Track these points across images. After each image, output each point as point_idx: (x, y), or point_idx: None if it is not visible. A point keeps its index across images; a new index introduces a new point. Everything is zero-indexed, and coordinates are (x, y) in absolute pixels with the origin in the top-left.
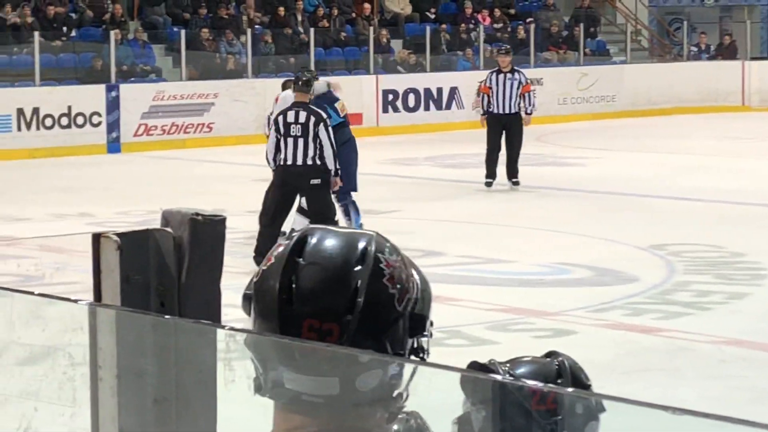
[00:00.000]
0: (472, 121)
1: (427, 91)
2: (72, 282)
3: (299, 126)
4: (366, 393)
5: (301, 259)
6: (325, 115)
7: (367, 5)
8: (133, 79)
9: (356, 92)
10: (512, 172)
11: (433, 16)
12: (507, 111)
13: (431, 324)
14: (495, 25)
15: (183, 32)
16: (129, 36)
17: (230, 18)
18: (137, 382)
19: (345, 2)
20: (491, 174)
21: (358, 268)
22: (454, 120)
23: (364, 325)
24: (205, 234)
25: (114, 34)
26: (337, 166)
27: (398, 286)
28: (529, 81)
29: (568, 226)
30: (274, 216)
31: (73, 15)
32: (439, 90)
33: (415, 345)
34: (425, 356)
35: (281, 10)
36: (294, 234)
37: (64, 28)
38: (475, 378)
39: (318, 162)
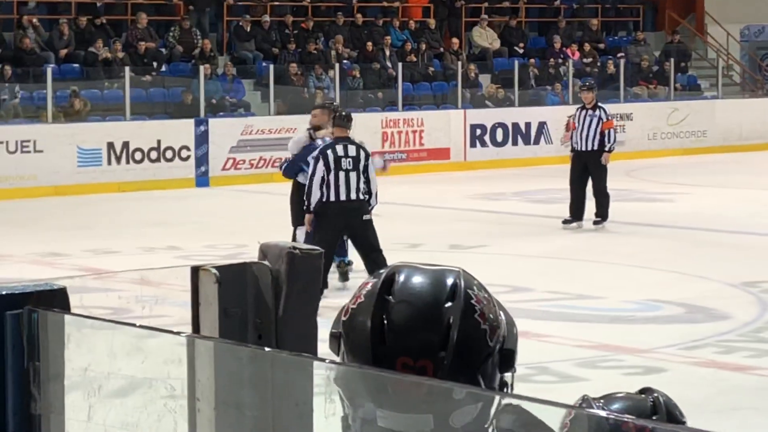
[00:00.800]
0: (560, 156)
1: (515, 125)
2: (165, 315)
3: (350, 159)
4: (458, 430)
5: (390, 297)
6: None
7: (455, 40)
8: (221, 113)
9: (444, 127)
10: (598, 211)
11: (521, 51)
12: (586, 148)
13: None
14: (584, 60)
15: (272, 67)
16: (218, 71)
17: (319, 53)
18: (235, 415)
19: (433, 37)
20: (571, 212)
21: (449, 304)
22: (542, 155)
23: (457, 361)
24: (302, 267)
25: (203, 69)
26: (376, 201)
27: (489, 321)
28: (610, 117)
29: (658, 263)
30: (329, 256)
31: (163, 50)
32: (527, 125)
33: (500, 381)
34: (510, 391)
35: (369, 45)
36: (381, 272)
37: (154, 63)
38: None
39: (365, 197)
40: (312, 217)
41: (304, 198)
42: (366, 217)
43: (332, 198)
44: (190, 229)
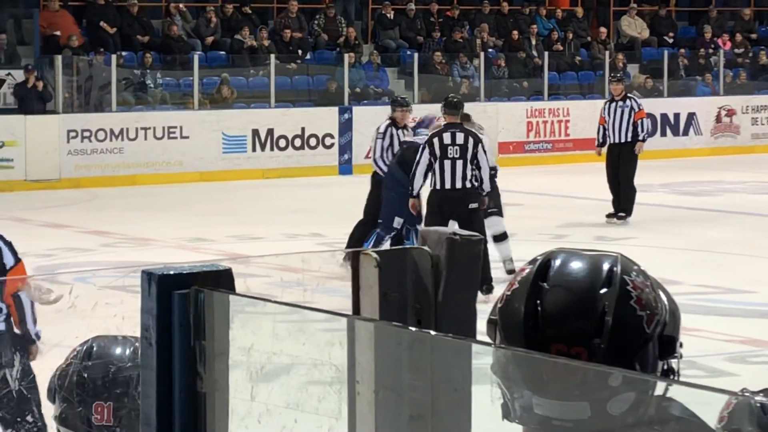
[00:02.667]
0: (710, 148)
1: (664, 116)
2: (309, 302)
3: (457, 147)
4: (617, 417)
5: (545, 284)
6: (481, 136)
7: (603, 29)
8: (365, 101)
9: (591, 117)
10: (621, 206)
11: (671, 41)
12: (619, 140)
13: (681, 345)
14: (735, 50)
15: (416, 55)
16: (363, 59)
17: (464, 41)
18: (394, 398)
19: (580, 26)
20: (615, 207)
21: (605, 290)
22: (692, 146)
23: (612, 348)
24: (462, 253)
25: (348, 57)
26: (488, 188)
27: (646, 307)
28: (642, 107)
29: None
30: None
31: (309, 38)
32: (677, 116)
33: (666, 367)
34: (676, 377)
35: (515, 34)
36: (537, 257)
37: (299, 51)
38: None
39: (475, 184)
40: (416, 202)
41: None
42: (472, 205)
43: (437, 186)
44: (333, 216)
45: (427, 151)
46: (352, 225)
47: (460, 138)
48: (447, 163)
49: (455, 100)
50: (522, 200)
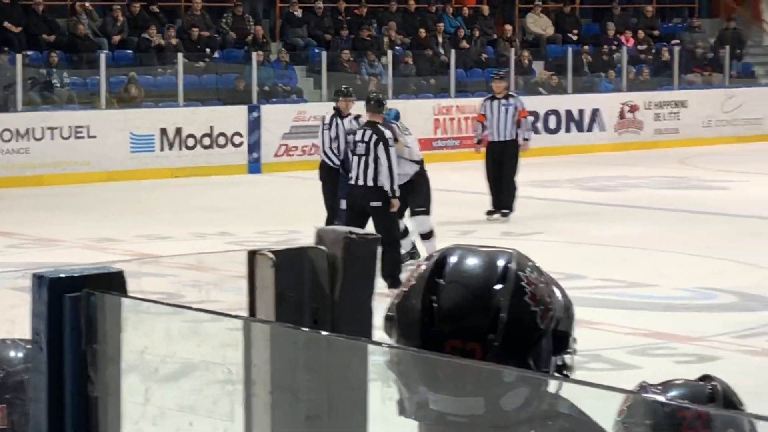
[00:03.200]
0: (614, 143)
1: (569, 112)
2: (219, 300)
3: (363, 144)
4: (511, 413)
5: (441, 280)
6: (388, 134)
7: (508, 26)
8: (274, 99)
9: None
10: (503, 203)
11: (575, 38)
12: (502, 138)
13: (575, 341)
14: (639, 47)
15: (324, 53)
16: (271, 57)
17: (371, 39)
18: (290, 399)
19: (486, 24)
20: (494, 204)
21: (500, 286)
22: (596, 142)
23: (507, 344)
24: (359, 252)
25: (256, 56)
26: (395, 188)
27: (540, 303)
28: (525, 106)
29: (712, 251)
30: None
31: (217, 36)
32: (581, 112)
33: (560, 363)
34: (570, 373)
35: (422, 32)
36: (434, 254)
37: (207, 50)
38: (631, 397)
39: (377, 183)
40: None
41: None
42: (374, 203)
43: (350, 181)
44: (243, 215)
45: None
46: (262, 223)
47: (366, 135)
48: (355, 159)
49: (377, 98)
50: (440, 198)
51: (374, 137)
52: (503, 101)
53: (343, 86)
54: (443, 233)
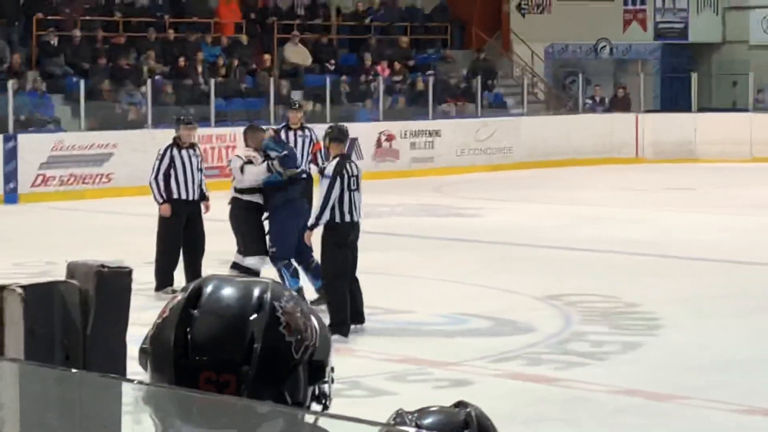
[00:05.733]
0: (372, 172)
1: None
2: None
3: (356, 179)
4: None
5: (196, 311)
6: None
7: (267, 56)
8: (31, 129)
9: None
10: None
11: (332, 68)
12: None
13: (332, 370)
14: (394, 78)
15: (82, 82)
16: (27, 86)
17: (130, 68)
18: None
19: (246, 53)
20: None
21: (254, 316)
22: None
23: (261, 375)
24: (111, 286)
25: (11, 84)
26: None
27: (296, 333)
28: (318, 139)
29: (466, 277)
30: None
31: None
32: None
33: (317, 392)
34: (328, 402)
35: (182, 61)
36: (189, 285)
37: None
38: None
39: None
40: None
41: None
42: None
43: (347, 219)
44: None
45: (338, 182)
46: (18, 255)
47: (356, 169)
48: (355, 195)
49: (344, 129)
50: None
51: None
52: (299, 132)
53: (184, 114)
54: (204, 263)
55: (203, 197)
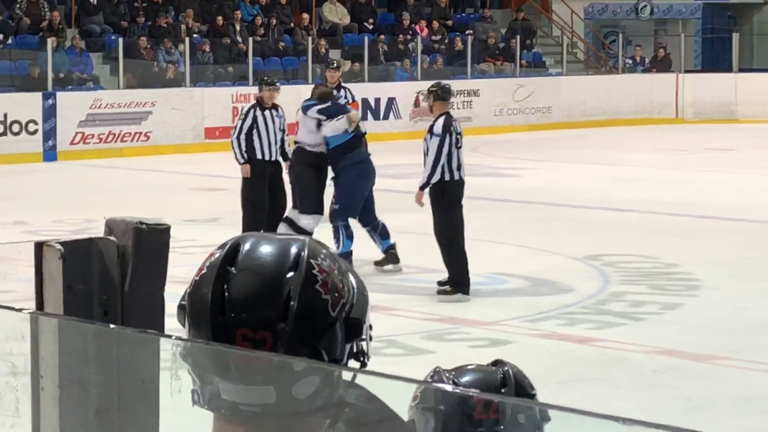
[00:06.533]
0: (409, 131)
1: (365, 101)
2: (9, 291)
3: (459, 136)
4: (303, 401)
5: (233, 268)
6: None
7: (305, 15)
8: (70, 87)
9: (295, 102)
10: None
11: (371, 27)
12: None
13: (370, 328)
14: (433, 37)
15: (121, 40)
16: (66, 44)
17: (169, 27)
18: (79, 392)
19: (283, 12)
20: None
21: (291, 274)
22: (392, 130)
23: (297, 333)
24: (149, 243)
25: (51, 42)
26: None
27: (332, 291)
28: (355, 98)
29: (504, 237)
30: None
31: (10, 22)
32: (377, 100)
33: (355, 349)
34: (366, 360)
35: (220, 20)
36: (227, 242)
37: (0, 36)
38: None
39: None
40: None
41: None
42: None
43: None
44: (38, 204)
45: (449, 141)
46: (57, 212)
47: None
48: (461, 153)
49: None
50: (229, 185)
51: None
52: (335, 92)
53: (267, 75)
54: (241, 221)
55: (285, 158)
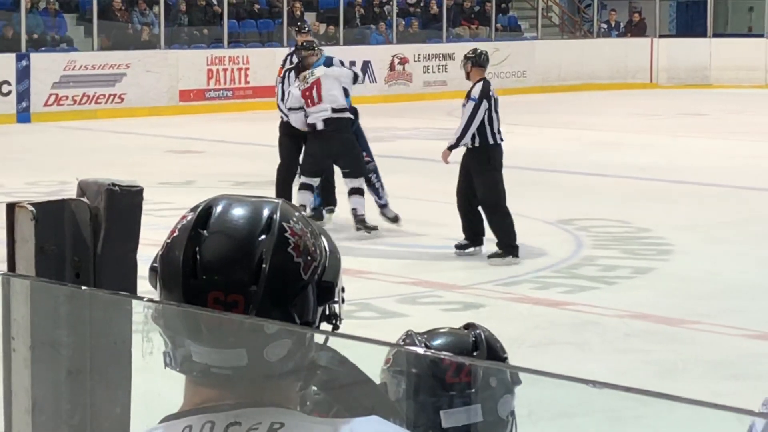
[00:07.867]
0: (384, 95)
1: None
2: None
3: (496, 101)
4: (275, 363)
5: (205, 231)
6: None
7: None
8: (44, 48)
9: (271, 65)
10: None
11: None
12: None
13: (342, 290)
14: (408, 0)
15: (95, 1)
16: (40, 5)
17: None
18: (51, 354)
19: None
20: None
21: (263, 237)
22: (366, 93)
23: (269, 296)
24: (121, 204)
25: (24, 2)
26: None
27: (304, 254)
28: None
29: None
30: None
31: None
32: (352, 63)
33: (327, 312)
34: (338, 322)
35: None
36: (199, 204)
37: None
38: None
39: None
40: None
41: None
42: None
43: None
44: (11, 165)
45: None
46: (31, 174)
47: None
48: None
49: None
50: (204, 147)
51: None
52: None
53: (305, 40)
54: (215, 184)
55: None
